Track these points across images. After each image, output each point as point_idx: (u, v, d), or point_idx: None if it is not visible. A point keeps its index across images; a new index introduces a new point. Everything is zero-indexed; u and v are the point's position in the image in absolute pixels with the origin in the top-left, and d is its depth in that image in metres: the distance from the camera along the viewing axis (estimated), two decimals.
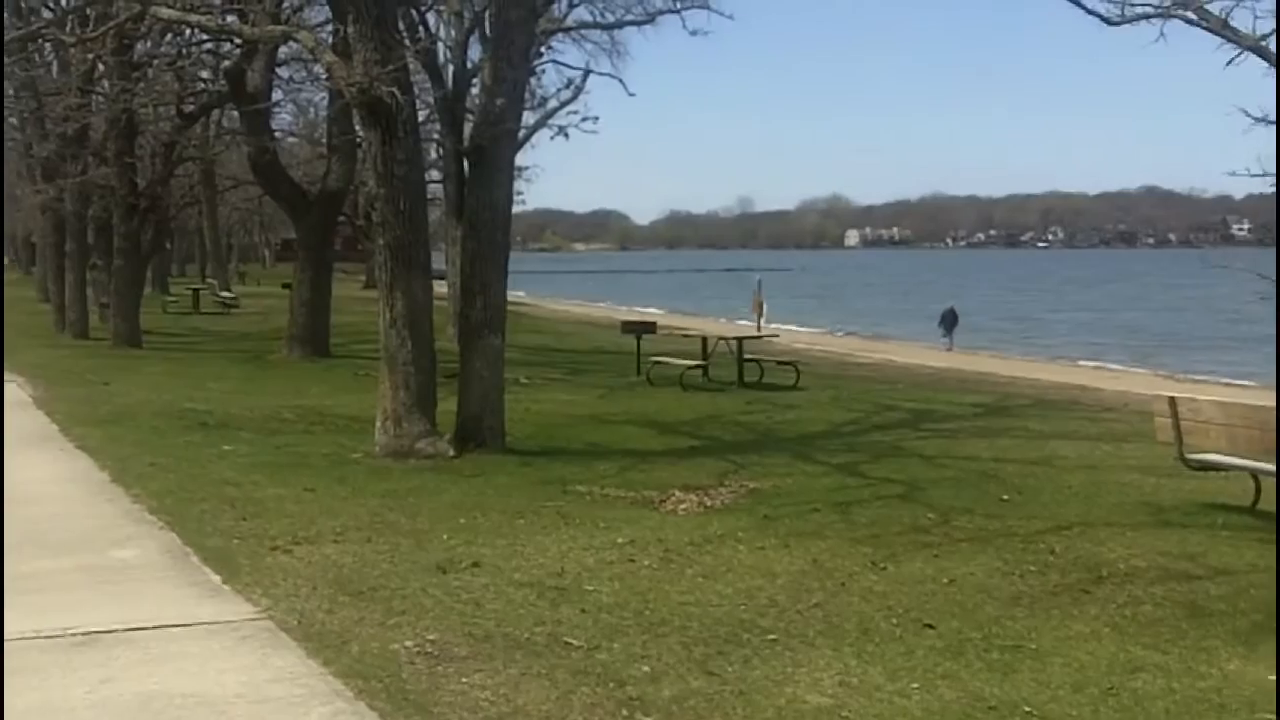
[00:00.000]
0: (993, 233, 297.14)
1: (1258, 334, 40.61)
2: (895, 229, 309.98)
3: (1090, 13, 19.38)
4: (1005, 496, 11.65)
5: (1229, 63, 19.34)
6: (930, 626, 7.50)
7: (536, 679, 6.54)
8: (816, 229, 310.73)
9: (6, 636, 6.98)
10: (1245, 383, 30.57)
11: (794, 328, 45.26)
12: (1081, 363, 37.80)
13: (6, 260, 68.07)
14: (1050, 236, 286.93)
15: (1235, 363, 37.52)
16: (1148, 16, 19.06)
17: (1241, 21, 19.10)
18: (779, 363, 24.05)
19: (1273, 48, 18.58)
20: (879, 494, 11.81)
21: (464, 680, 6.52)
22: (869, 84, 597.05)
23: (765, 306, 40.99)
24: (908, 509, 11.06)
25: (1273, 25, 18.49)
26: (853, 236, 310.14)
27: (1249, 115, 19.03)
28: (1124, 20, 19.26)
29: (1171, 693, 6.36)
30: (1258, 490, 11.27)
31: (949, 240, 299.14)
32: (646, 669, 6.70)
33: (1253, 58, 19.08)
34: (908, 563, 9.08)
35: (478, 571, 8.77)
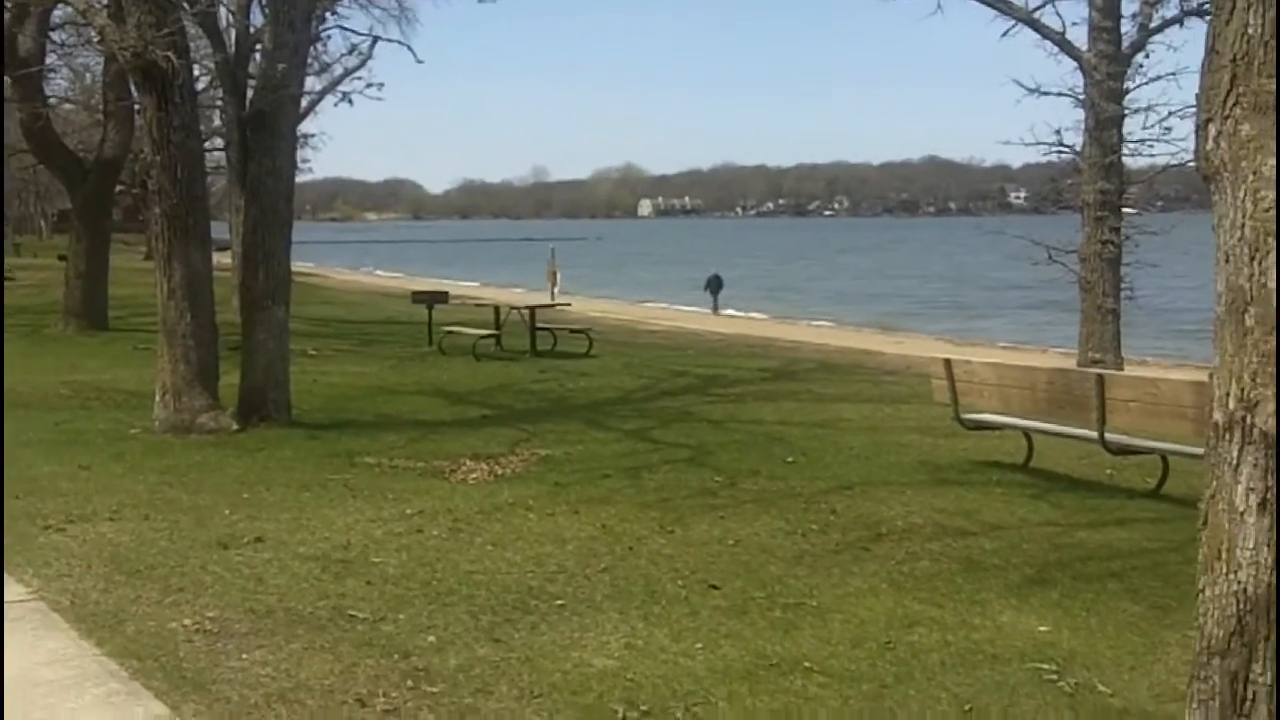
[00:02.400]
0: (781, 202, 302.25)
1: (1028, 300, 42.25)
2: (687, 198, 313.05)
3: None
4: (790, 458, 11.87)
5: (1004, 34, 20.15)
6: (715, 587, 7.60)
7: (319, 653, 6.43)
8: (610, 198, 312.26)
9: None
10: (1025, 345, 31.75)
11: (586, 296, 45.40)
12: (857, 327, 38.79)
13: None
14: (836, 205, 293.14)
15: (1012, 323, 38.95)
16: None
17: None
18: (572, 331, 24.09)
19: (1045, 20, 19.24)
20: (668, 459, 11.92)
21: (244, 657, 6.38)
22: (660, 54, 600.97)
23: (559, 275, 41.09)
24: (696, 473, 11.19)
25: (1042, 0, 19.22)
26: (646, 206, 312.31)
27: (1022, 86, 19.88)
28: None
29: (947, 645, 6.56)
30: (1030, 448, 11.72)
31: (740, 209, 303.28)
32: (432, 639, 6.65)
33: (1026, 30, 19.82)
34: (695, 525, 9.19)
35: (260, 547, 8.59)
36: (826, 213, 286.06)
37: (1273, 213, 3.86)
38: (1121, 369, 17.30)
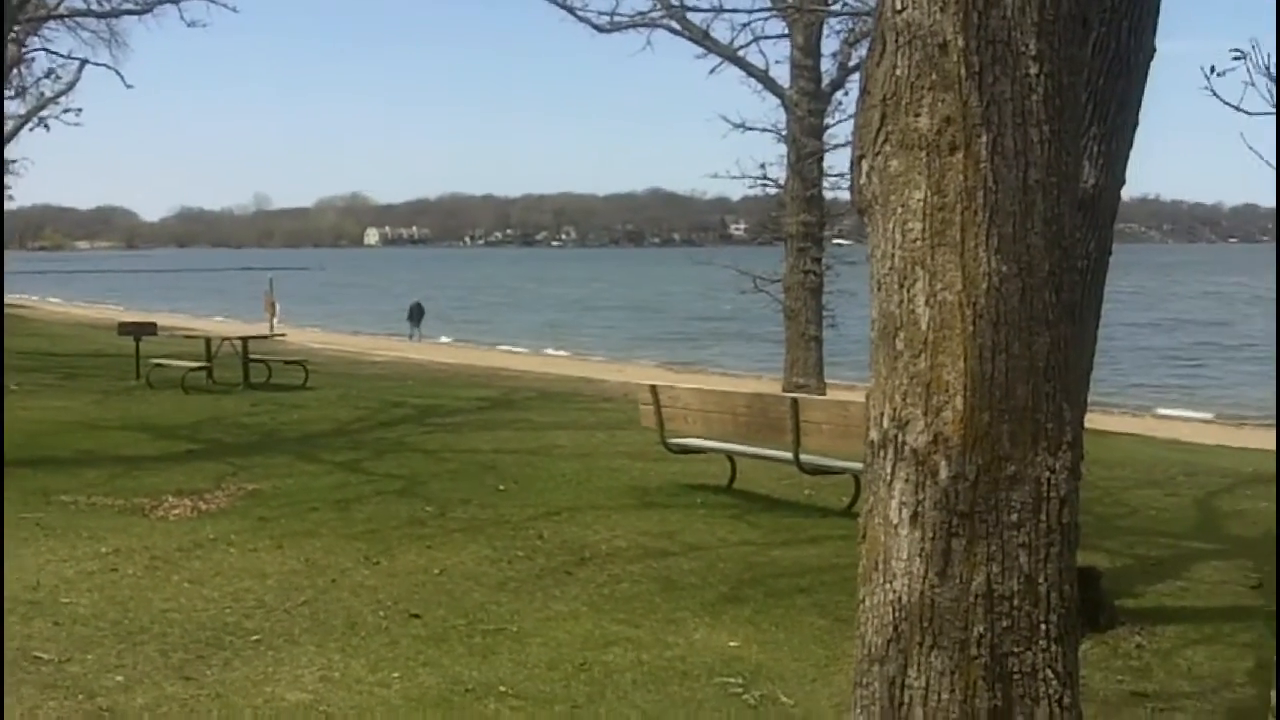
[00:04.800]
0: (509, 231, 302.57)
1: (743, 329, 43.37)
2: (415, 227, 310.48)
3: (581, 19, 20.37)
4: (502, 486, 11.94)
5: (711, 71, 20.74)
6: (417, 616, 7.60)
7: None
8: (335, 227, 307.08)
9: None
10: (735, 372, 32.60)
11: (306, 327, 44.63)
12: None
13: None
14: (564, 235, 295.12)
15: (730, 353, 39.95)
16: (635, 25, 20.22)
17: (720, 33, 20.56)
18: (287, 362, 23.60)
19: (750, 57, 19.86)
20: (379, 490, 11.84)
21: None
22: (386, 81, 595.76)
23: (278, 306, 40.26)
24: (406, 503, 11.15)
25: (747, 38, 19.88)
26: (373, 235, 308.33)
27: (728, 121, 20.49)
28: (614, 28, 20.32)
29: (640, 664, 6.72)
30: (733, 470, 12.06)
31: (468, 238, 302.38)
32: (120, 678, 6.46)
33: (731, 66, 20.44)
34: (402, 555, 9.16)
35: None
36: (554, 243, 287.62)
37: (920, 243, 4.08)
38: (824, 393, 17.96)
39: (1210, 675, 6.84)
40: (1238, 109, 4.55)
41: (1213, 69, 4.64)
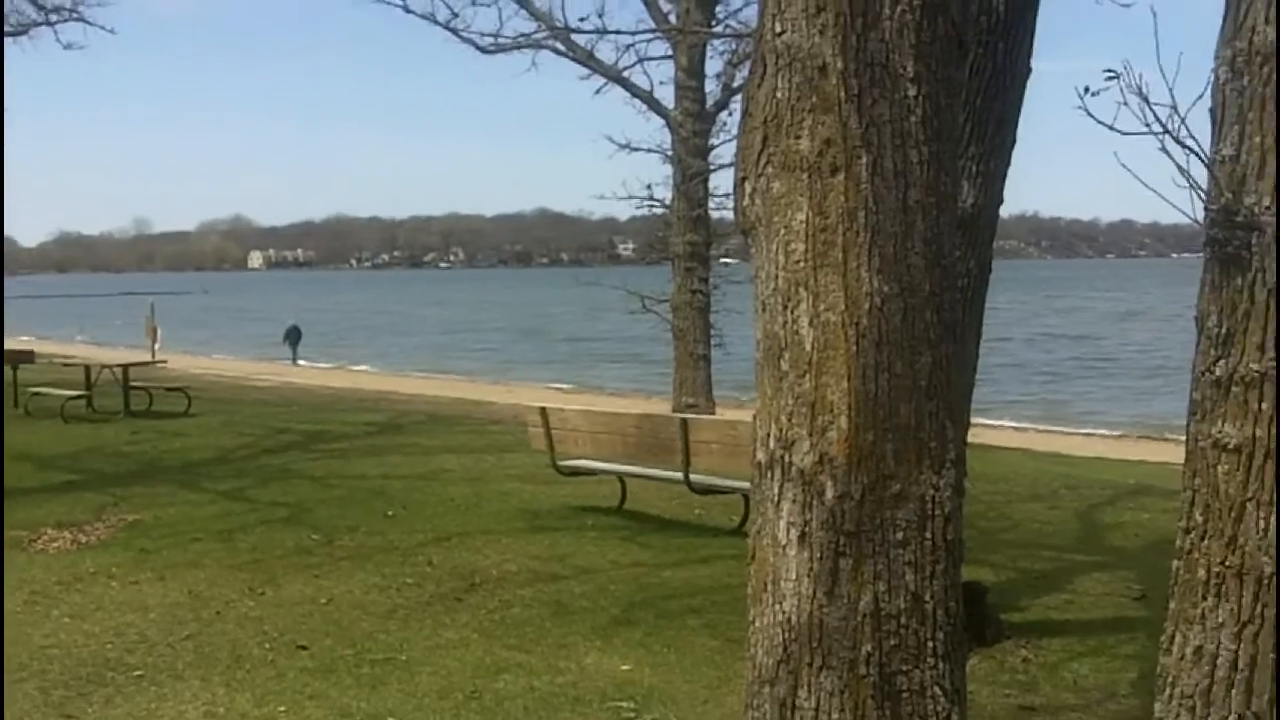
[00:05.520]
0: (397, 253, 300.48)
1: (621, 351, 43.45)
2: (300, 250, 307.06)
3: (465, 41, 20.29)
4: (390, 512, 11.80)
5: (597, 92, 20.77)
6: (303, 647, 7.47)
7: None
8: (218, 250, 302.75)
9: None
10: (625, 392, 32.63)
11: (190, 353, 43.92)
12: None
13: None
14: (452, 257, 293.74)
15: (619, 373, 39.98)
16: (519, 46, 20.19)
17: (605, 54, 20.61)
18: (169, 389, 23.16)
19: (634, 78, 19.92)
20: (264, 518, 11.64)
21: None
22: (267, 101, 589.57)
23: (159, 331, 39.55)
24: (292, 532, 10.97)
25: (631, 59, 19.94)
26: (256, 258, 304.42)
27: (614, 142, 20.53)
28: (498, 49, 20.26)
29: (532, 690, 6.66)
30: (623, 492, 12.05)
31: (354, 261, 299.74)
32: None
33: (617, 87, 20.49)
34: (288, 585, 9.01)
35: None
36: (442, 264, 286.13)
37: (803, 264, 4.09)
38: (714, 413, 18.02)
39: (1095, 687, 6.95)
40: (1111, 128, 4.61)
41: (1087, 89, 4.70)
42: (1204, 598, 4.52)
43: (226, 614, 8.27)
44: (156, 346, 38.01)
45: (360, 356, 49.28)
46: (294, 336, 46.25)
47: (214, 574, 9.40)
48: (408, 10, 20.28)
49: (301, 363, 44.21)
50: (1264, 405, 4.41)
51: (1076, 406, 31.72)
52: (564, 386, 35.59)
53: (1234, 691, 4.48)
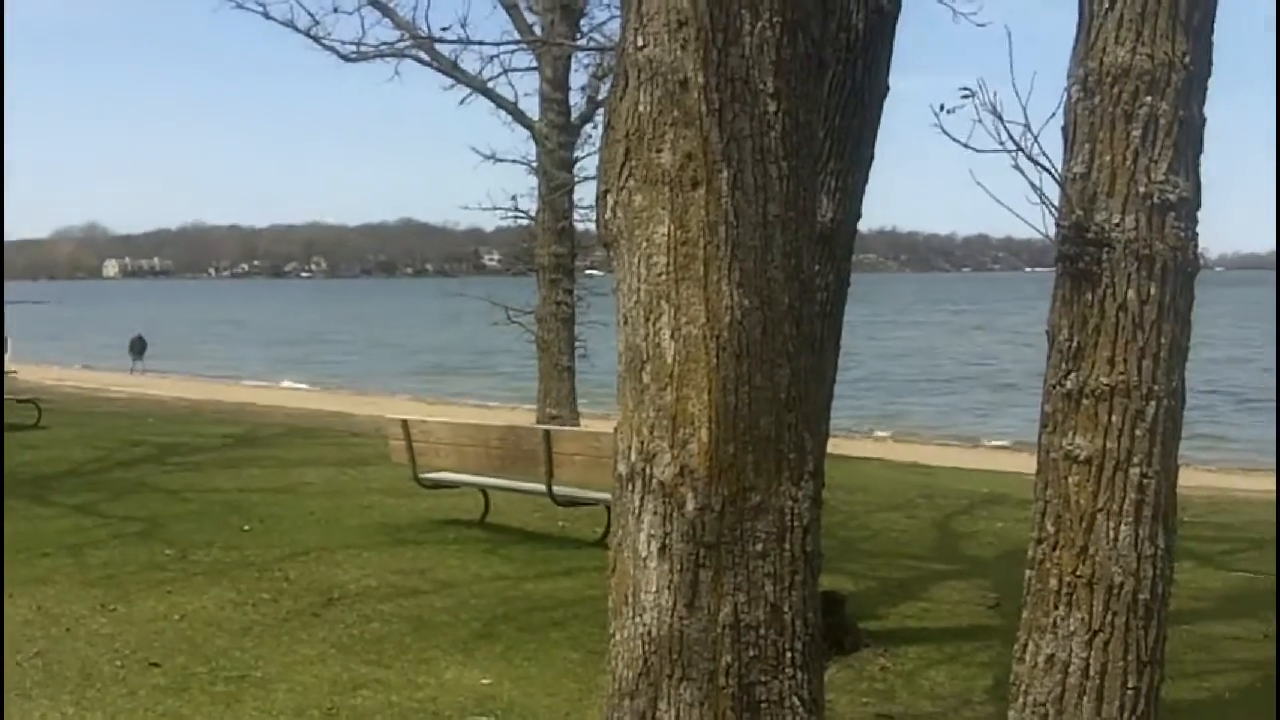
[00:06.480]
0: (257, 263, 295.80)
1: (486, 362, 43.29)
2: (157, 259, 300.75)
3: (327, 48, 20.03)
4: (247, 527, 11.59)
5: (461, 102, 20.64)
6: (156, 665, 7.29)
7: None
8: (72, 259, 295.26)
9: None
10: (489, 404, 32.49)
11: (42, 364, 42.78)
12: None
13: None
14: (314, 266, 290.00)
15: (483, 385, 39.80)
16: (382, 55, 19.99)
17: (470, 64, 20.52)
18: (19, 400, 22.47)
19: (499, 89, 19.84)
20: (117, 533, 11.34)
21: None
22: (123, 107, 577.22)
23: (9, 341, 38.42)
24: (145, 546, 10.71)
25: (496, 70, 19.87)
26: (111, 266, 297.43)
27: (479, 153, 20.43)
28: (360, 57, 20.04)
29: (390, 706, 6.58)
30: (486, 504, 11.98)
31: (213, 270, 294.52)
32: None
33: (482, 98, 20.39)
34: (140, 602, 8.79)
35: None
36: (304, 274, 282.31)
37: (664, 277, 4.10)
38: (578, 424, 18.01)
39: (951, 695, 7.06)
40: (966, 145, 4.71)
41: (942, 106, 4.80)
42: (1056, 606, 4.62)
43: (77, 631, 8.04)
44: (6, 356, 36.91)
45: (216, 367, 48.42)
46: (138, 346, 45.58)
47: (64, 590, 9.13)
48: (267, 16, 19.96)
49: (142, 372, 43.34)
50: (1114, 418, 4.53)
51: (932, 418, 32.28)
52: (427, 398, 35.30)
53: (1085, 699, 4.59)
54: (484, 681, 6.98)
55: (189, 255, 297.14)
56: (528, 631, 8.00)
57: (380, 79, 23.73)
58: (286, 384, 41.32)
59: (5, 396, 22.39)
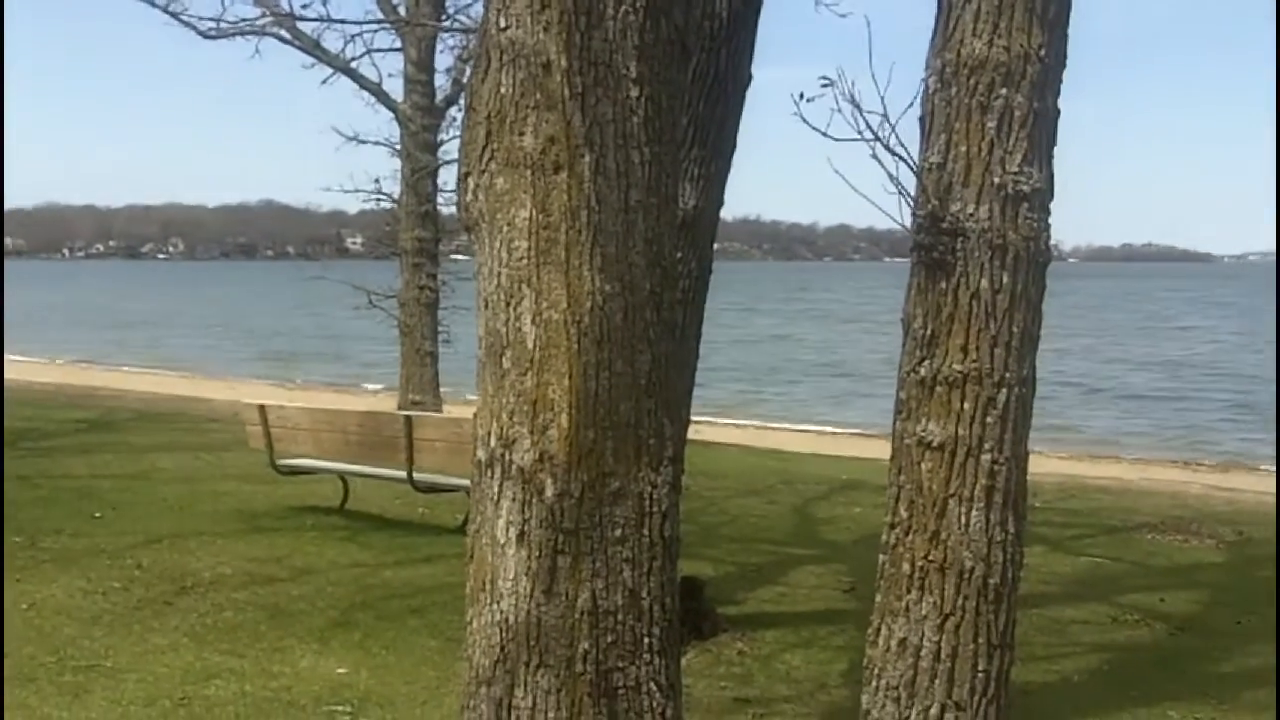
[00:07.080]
0: (113, 244, 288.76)
1: (346, 347, 42.81)
2: (9, 239, 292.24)
3: (185, 24, 19.57)
4: (98, 513, 11.30)
5: (323, 82, 20.31)
6: (2, 654, 7.07)
7: None
8: None
9: None
10: (350, 389, 32.10)
11: None
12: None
13: None
14: (171, 248, 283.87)
15: (343, 370, 39.31)
16: (242, 32, 19.58)
17: (332, 43, 20.19)
18: None
19: (363, 70, 19.59)
20: None
21: None
22: None
23: None
24: None
25: (359, 50, 19.60)
26: None
27: (341, 134, 20.12)
28: (220, 34, 19.61)
29: (244, 695, 6.47)
30: (345, 491, 11.83)
31: (67, 251, 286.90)
32: None
33: (345, 78, 20.09)
34: None
35: None
36: (161, 255, 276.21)
37: (525, 261, 4.07)
38: (441, 410, 17.87)
39: (807, 678, 7.15)
40: (825, 134, 4.75)
41: (802, 95, 4.84)
42: (908, 591, 4.70)
43: None
44: None
45: (67, 350, 47.09)
46: None
47: None
48: None
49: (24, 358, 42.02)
50: (966, 405, 4.61)
51: (790, 405, 32.62)
52: (285, 383, 34.75)
53: (937, 682, 4.67)
54: (340, 670, 6.90)
55: (43, 235, 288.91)
56: (386, 619, 7.92)
57: (241, 56, 23.36)
58: (130, 367, 40.33)
59: None
